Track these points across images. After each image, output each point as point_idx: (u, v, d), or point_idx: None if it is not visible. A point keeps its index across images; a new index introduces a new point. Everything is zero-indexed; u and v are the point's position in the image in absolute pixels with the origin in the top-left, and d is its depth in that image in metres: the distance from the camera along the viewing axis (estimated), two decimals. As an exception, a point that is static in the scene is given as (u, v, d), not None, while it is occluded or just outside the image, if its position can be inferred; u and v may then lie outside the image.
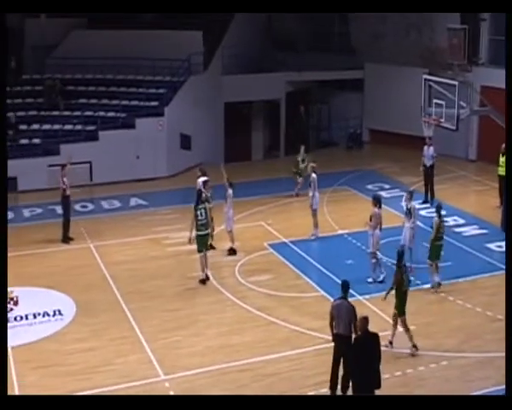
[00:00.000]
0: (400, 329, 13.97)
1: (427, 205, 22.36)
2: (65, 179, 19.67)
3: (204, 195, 17.78)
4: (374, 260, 17.10)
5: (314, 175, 19.97)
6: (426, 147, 22.86)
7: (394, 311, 13.90)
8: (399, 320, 13.83)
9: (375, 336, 11.57)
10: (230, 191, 18.96)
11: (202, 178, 19.01)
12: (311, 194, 19.89)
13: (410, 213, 17.47)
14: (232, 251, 18.86)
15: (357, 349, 11.47)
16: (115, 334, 14.87)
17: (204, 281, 17.17)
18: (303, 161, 23.77)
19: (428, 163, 22.83)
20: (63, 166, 20.08)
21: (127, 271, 18.05)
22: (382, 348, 11.82)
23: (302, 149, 24.22)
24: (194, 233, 17.16)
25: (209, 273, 17.43)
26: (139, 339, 14.64)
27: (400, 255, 14.03)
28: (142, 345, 14.41)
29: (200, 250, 17.23)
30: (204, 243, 17.29)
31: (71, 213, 20.12)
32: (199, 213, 17.09)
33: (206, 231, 17.36)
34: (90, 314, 15.71)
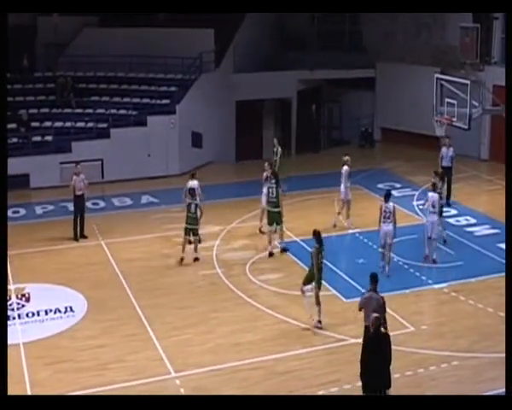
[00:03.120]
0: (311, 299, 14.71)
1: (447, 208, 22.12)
2: (74, 178, 19.64)
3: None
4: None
5: (346, 168, 20.27)
6: (445, 148, 22.45)
7: (315, 285, 14.63)
8: (315, 293, 14.68)
9: (387, 336, 11.56)
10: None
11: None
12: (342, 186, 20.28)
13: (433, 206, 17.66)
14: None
15: (368, 349, 11.45)
16: (126, 331, 14.91)
17: (271, 254, 18.56)
18: (276, 153, 23.32)
19: (448, 164, 22.51)
20: (76, 163, 20.26)
21: (138, 268, 18.10)
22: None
23: (275, 140, 23.66)
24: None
25: (273, 250, 18.68)
26: (150, 336, 14.68)
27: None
28: (153, 342, 14.45)
29: (270, 224, 18.75)
30: (273, 219, 18.68)
31: (83, 211, 20.05)
32: (270, 190, 18.79)
33: (276, 209, 18.74)
34: (102, 311, 15.77)
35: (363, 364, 11.43)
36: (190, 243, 18.67)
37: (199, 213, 18.48)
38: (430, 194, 18.18)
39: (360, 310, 12.72)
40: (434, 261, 17.89)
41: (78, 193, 19.68)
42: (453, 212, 21.75)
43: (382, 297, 12.59)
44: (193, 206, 18.48)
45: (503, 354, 13.47)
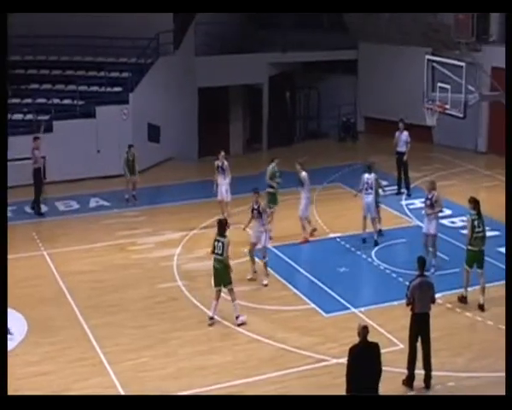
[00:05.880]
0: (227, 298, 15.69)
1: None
2: (36, 152, 21.97)
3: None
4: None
5: (304, 173, 20.04)
6: (398, 132, 23.48)
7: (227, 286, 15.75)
8: (228, 290, 15.78)
9: (375, 347, 11.68)
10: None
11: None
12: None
13: (432, 204, 17.98)
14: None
15: (354, 360, 11.53)
16: (73, 355, 14.82)
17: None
18: (132, 162, 23.41)
19: (402, 149, 23.36)
20: (35, 138, 22.16)
21: (87, 282, 18.02)
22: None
23: (132, 149, 23.37)
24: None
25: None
26: (101, 360, 14.61)
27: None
28: (104, 367, 14.38)
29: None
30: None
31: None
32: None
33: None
34: (44, 333, 15.66)
35: (350, 379, 11.51)
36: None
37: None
38: (366, 175, 19.63)
39: (409, 305, 13.52)
40: (376, 243, 19.51)
41: (39, 166, 22.19)
42: (447, 212, 21.92)
43: (431, 280, 13.85)
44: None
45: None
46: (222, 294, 15.91)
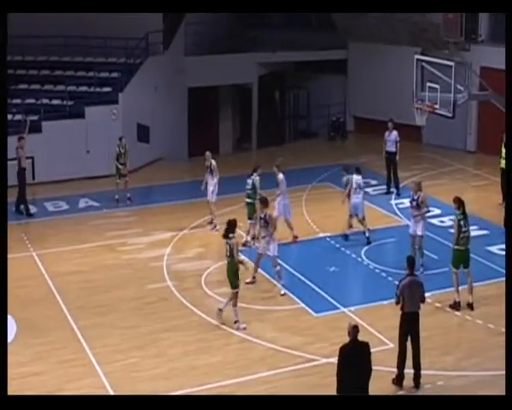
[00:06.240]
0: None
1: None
2: (20, 151, 22.14)
3: None
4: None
5: (281, 176, 19.98)
6: (387, 132, 23.56)
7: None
8: (232, 293, 15.63)
9: (366, 346, 11.72)
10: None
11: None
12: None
13: (418, 205, 17.95)
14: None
15: (344, 360, 11.56)
16: (63, 356, 14.80)
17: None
18: (124, 154, 23.41)
19: (391, 149, 23.46)
20: (20, 138, 22.25)
21: (76, 283, 17.99)
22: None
23: (123, 140, 23.59)
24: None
25: None
26: (91, 361, 14.60)
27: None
28: (94, 368, 14.37)
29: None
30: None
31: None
32: None
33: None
34: (35, 334, 15.64)
35: (340, 379, 11.55)
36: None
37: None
38: (354, 176, 19.90)
39: (398, 303, 13.54)
40: (369, 241, 19.62)
41: (24, 166, 22.29)
42: (436, 211, 22.01)
43: (421, 279, 13.96)
44: None
45: (494, 372, 13.83)
46: (215, 295, 15.90)
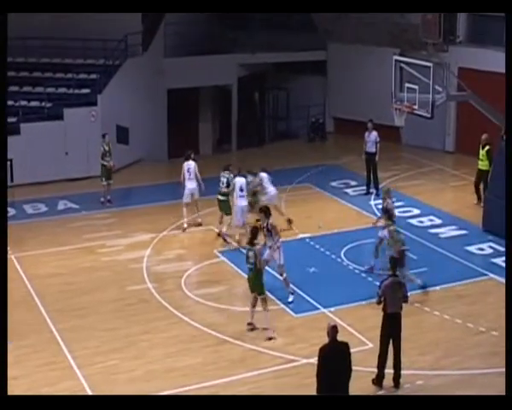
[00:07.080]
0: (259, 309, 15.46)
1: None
2: None
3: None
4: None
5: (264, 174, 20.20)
6: (367, 132, 23.59)
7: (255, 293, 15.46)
8: (260, 299, 15.44)
9: (345, 346, 11.76)
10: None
11: None
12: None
13: (387, 212, 17.81)
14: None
15: (324, 360, 11.60)
16: (41, 359, 14.75)
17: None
18: (109, 152, 23.40)
19: (371, 150, 23.49)
20: None
21: (55, 285, 17.93)
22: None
23: (106, 137, 23.58)
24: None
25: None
26: (70, 364, 14.55)
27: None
28: (73, 371, 14.33)
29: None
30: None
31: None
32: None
33: None
34: (12, 337, 15.40)
35: (320, 379, 11.58)
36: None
37: None
38: (237, 179, 19.80)
39: (379, 303, 13.64)
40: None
41: None
42: (415, 211, 22.14)
43: (403, 281, 14.14)
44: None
45: (474, 371, 13.96)
46: (195, 296, 15.89)
